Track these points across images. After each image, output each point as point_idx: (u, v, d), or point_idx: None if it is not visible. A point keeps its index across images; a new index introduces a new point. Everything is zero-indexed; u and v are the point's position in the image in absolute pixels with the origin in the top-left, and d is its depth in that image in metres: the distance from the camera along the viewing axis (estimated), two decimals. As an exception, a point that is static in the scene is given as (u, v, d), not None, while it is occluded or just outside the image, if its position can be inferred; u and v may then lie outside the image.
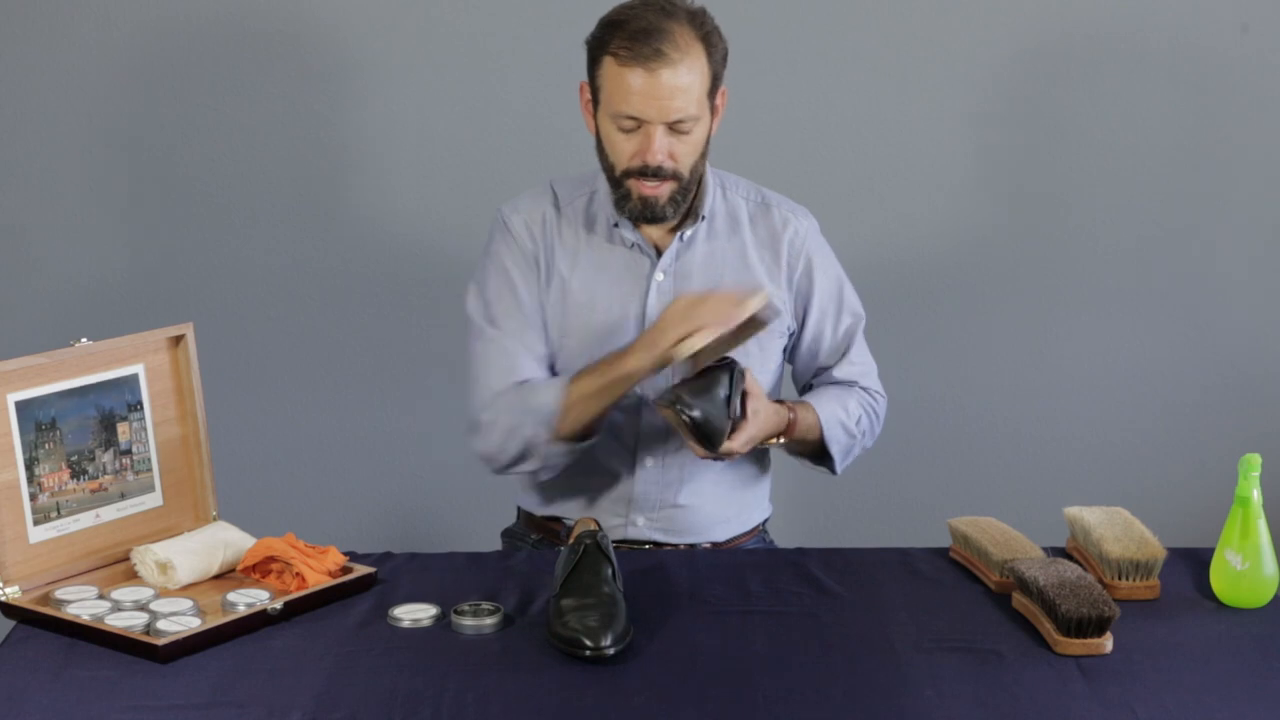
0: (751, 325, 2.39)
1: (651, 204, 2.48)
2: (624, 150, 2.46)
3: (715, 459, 2.44)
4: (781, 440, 2.54)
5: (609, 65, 2.43)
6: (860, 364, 2.68)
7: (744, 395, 2.42)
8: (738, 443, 2.41)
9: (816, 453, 2.62)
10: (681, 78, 2.41)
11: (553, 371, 2.57)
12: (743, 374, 2.41)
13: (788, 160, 3.32)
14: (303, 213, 3.45)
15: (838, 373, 2.67)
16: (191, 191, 3.44)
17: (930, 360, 3.53)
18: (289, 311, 3.49)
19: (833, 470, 2.64)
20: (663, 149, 2.44)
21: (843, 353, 2.66)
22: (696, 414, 2.34)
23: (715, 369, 2.39)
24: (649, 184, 2.46)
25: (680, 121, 2.43)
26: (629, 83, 2.41)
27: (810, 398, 2.62)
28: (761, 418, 2.45)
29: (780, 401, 2.54)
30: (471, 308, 2.57)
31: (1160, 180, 3.49)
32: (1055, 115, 3.46)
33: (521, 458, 2.52)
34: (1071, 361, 3.56)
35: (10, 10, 3.36)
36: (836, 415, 2.59)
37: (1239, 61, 3.44)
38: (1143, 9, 3.41)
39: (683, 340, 2.35)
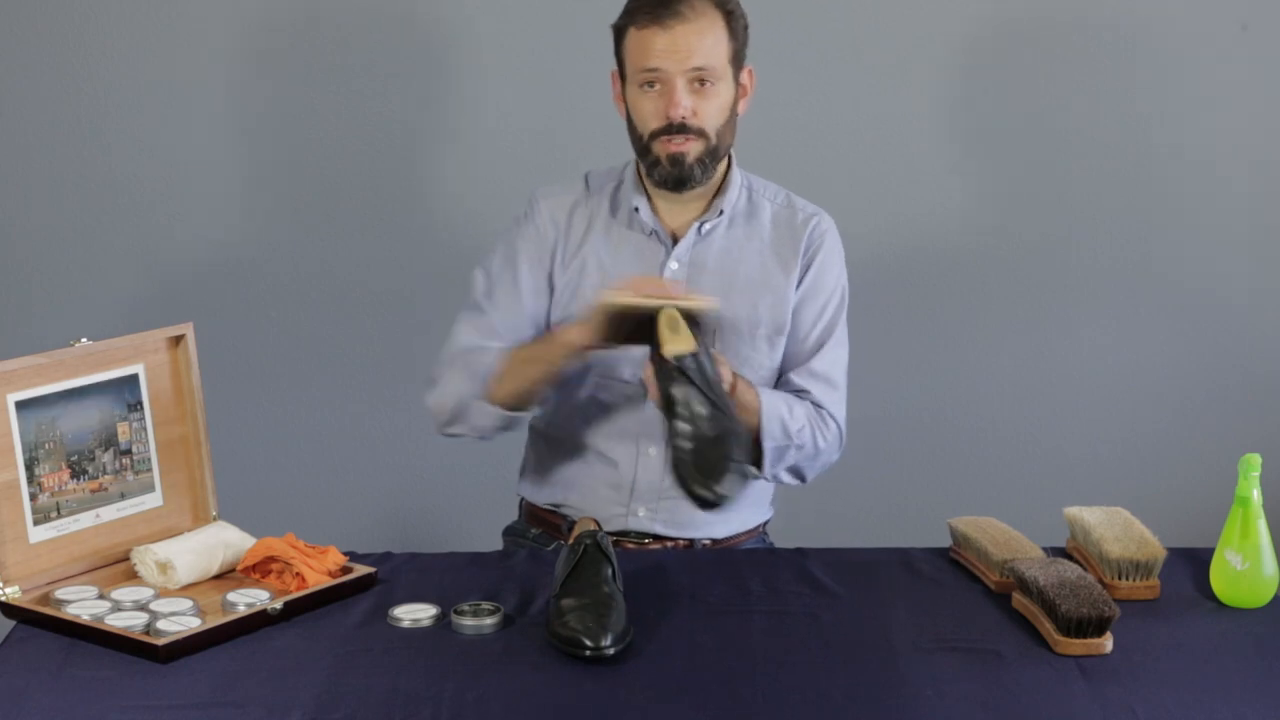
0: (690, 325, 2.28)
1: (679, 161, 2.49)
2: (648, 111, 2.49)
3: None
4: None
5: (630, 36, 2.49)
6: (823, 378, 2.58)
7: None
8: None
9: (748, 446, 2.45)
10: (701, 33, 2.45)
11: None
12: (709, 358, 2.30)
13: (785, 160, 3.31)
14: (302, 213, 3.45)
15: (795, 377, 2.58)
16: (192, 191, 3.44)
17: (930, 361, 3.53)
18: (289, 311, 3.48)
19: (759, 472, 2.52)
20: (685, 103, 2.46)
21: (809, 355, 2.58)
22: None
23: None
24: (675, 141, 2.48)
25: (700, 70, 2.46)
26: (648, 43, 2.46)
27: (759, 389, 2.53)
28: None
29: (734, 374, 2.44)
30: (475, 279, 2.61)
31: (1160, 180, 3.48)
32: (1055, 115, 3.45)
33: (455, 417, 2.53)
34: (1071, 362, 3.56)
35: (7, 13, 3.36)
36: (778, 410, 2.50)
37: (1239, 61, 3.43)
38: (1143, 8, 3.41)
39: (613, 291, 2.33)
